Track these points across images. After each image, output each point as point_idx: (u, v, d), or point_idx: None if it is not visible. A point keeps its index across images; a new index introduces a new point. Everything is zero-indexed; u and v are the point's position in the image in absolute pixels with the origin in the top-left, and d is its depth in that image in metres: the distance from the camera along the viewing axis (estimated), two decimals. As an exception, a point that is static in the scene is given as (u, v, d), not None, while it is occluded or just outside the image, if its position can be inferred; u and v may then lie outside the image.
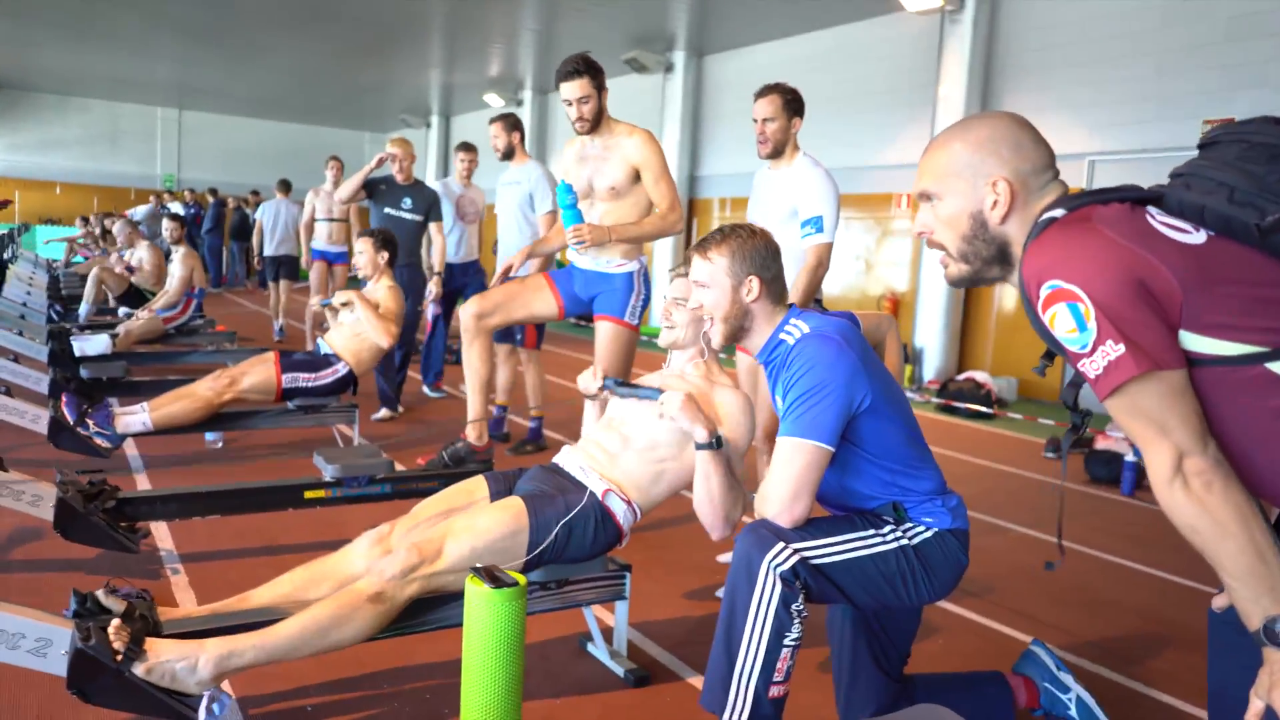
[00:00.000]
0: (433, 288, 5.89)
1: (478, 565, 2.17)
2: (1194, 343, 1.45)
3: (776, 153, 3.46)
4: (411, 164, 5.80)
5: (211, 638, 2.10)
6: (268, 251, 10.02)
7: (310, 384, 4.57)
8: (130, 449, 4.67)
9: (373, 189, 5.80)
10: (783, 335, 2.15)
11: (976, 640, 3.08)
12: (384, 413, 5.96)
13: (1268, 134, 1.54)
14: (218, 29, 12.64)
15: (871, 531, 2.07)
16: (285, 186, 10.86)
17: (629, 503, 2.52)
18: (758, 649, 1.93)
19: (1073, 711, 2.31)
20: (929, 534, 2.10)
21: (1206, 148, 1.61)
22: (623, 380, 2.52)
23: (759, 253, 2.18)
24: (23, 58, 15.64)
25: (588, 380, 2.63)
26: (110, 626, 2.00)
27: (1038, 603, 3.44)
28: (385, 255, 4.95)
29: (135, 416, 4.17)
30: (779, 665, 1.94)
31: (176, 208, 15.26)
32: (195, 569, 3.22)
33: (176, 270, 7.26)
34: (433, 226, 5.88)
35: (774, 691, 1.94)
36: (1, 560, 3.21)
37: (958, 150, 1.69)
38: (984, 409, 7.51)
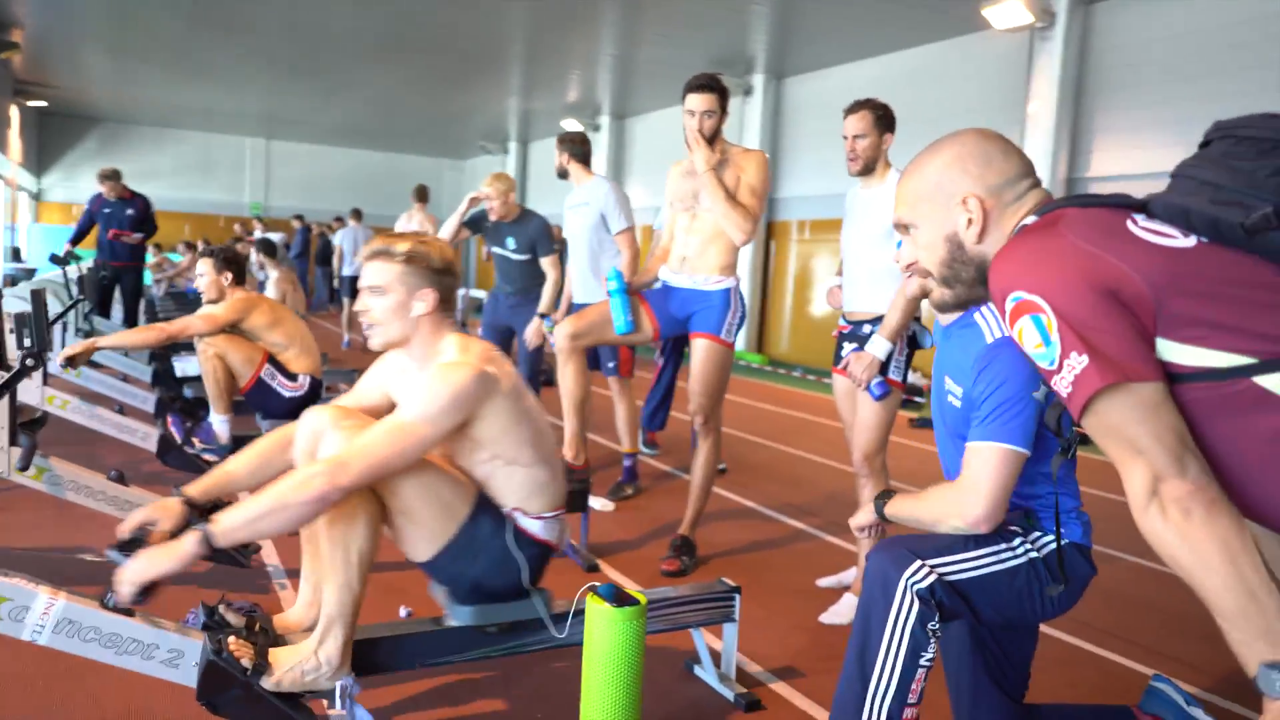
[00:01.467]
0: (529, 334, 5.21)
1: (595, 584, 2.17)
2: (1174, 352, 1.34)
3: (867, 170, 3.41)
4: (504, 201, 5.16)
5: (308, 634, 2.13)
6: (345, 272, 11.30)
7: (284, 390, 4.67)
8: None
9: (479, 225, 5.41)
10: (979, 319, 1.99)
11: (1091, 671, 2.97)
12: None
13: (1258, 127, 1.44)
14: (306, 61, 13.06)
15: (1001, 545, 2.00)
16: (357, 215, 12.22)
17: (538, 516, 2.29)
18: (893, 669, 1.88)
19: (1208, 747, 2.20)
20: (1057, 544, 2.02)
21: (1201, 147, 1.52)
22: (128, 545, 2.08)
23: None
24: (122, 92, 16.36)
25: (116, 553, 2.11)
26: (230, 642, 2.03)
27: (1151, 632, 3.30)
28: (229, 275, 4.87)
29: (214, 420, 4.32)
30: (913, 686, 1.88)
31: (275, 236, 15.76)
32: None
33: (271, 291, 7.48)
34: (544, 262, 5.19)
35: (908, 714, 1.89)
36: (119, 573, 3.30)
37: (928, 173, 1.65)
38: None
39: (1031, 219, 1.52)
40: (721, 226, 3.56)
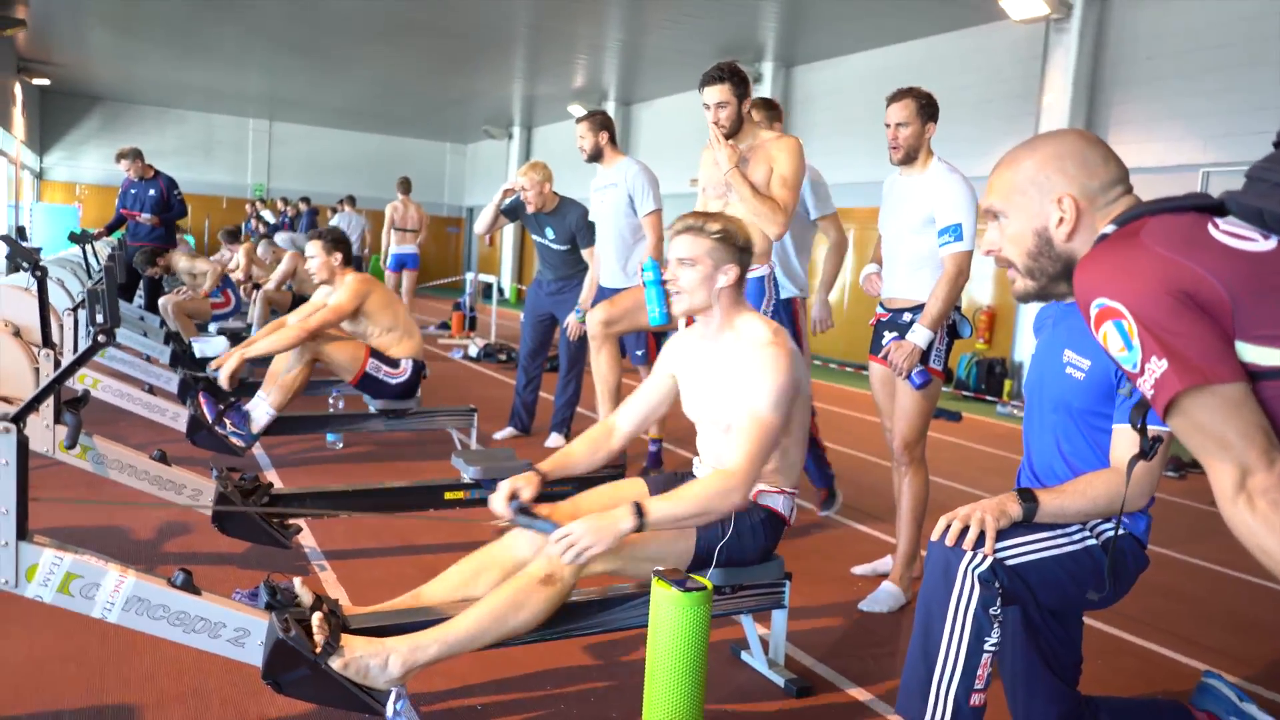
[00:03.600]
0: (570, 320, 5.20)
1: (659, 569, 2.17)
2: (1251, 354, 1.37)
3: (909, 159, 3.38)
4: (540, 191, 5.09)
5: (396, 637, 2.12)
6: None
7: (389, 378, 4.64)
8: (257, 449, 4.78)
9: (518, 214, 5.35)
10: None
11: (1136, 662, 2.99)
12: (509, 431, 5.62)
13: None
14: (309, 42, 12.98)
15: (1058, 530, 2.01)
16: (352, 201, 13.14)
17: (782, 491, 2.49)
18: (957, 655, 1.88)
19: (1263, 741, 2.21)
20: (1118, 532, 2.03)
21: (1276, 148, 1.53)
22: (526, 508, 2.35)
23: None
24: (125, 70, 16.24)
25: (498, 503, 2.39)
26: (314, 620, 2.03)
27: (1194, 625, 3.32)
28: (338, 256, 4.81)
29: (258, 407, 4.26)
30: (979, 672, 1.88)
31: (268, 216, 15.69)
32: (340, 566, 3.27)
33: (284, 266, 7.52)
34: (585, 254, 5.13)
35: (975, 700, 1.89)
36: (158, 552, 3.30)
37: (1025, 168, 1.68)
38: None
39: (1111, 228, 1.54)
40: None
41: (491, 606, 2.16)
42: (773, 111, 4.64)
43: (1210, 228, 1.46)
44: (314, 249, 4.72)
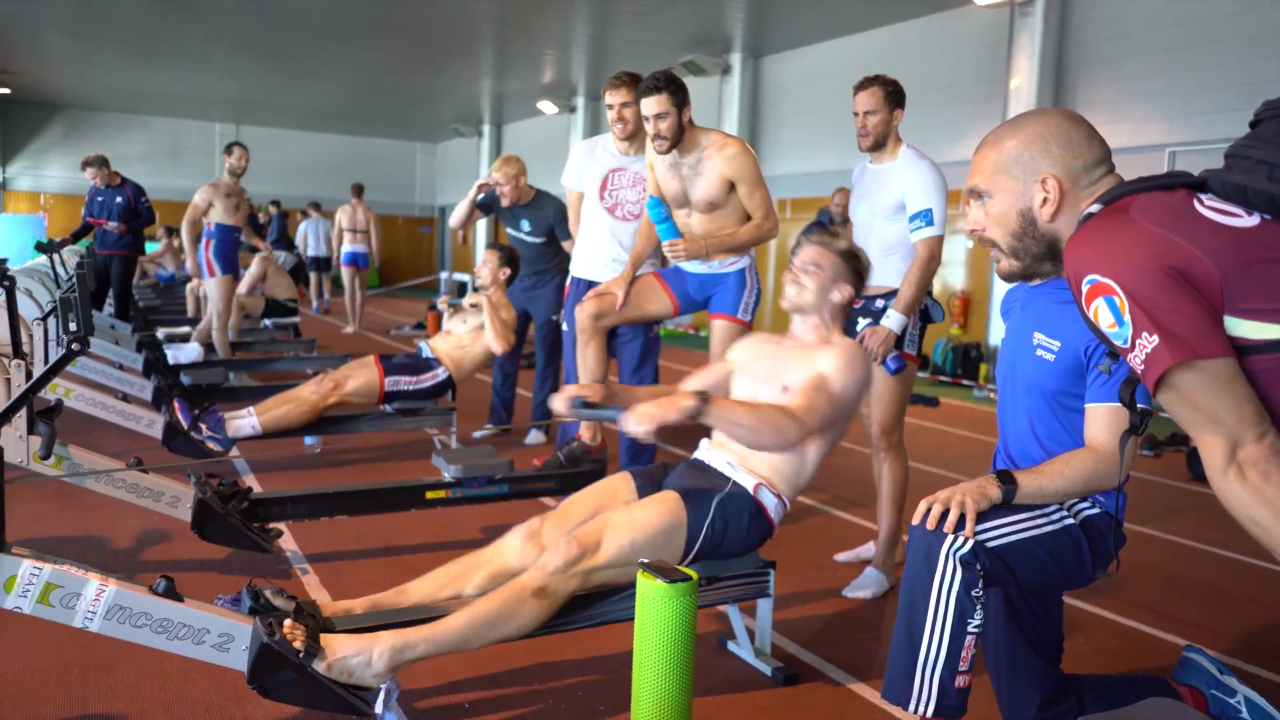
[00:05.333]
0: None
1: (644, 560, 2.17)
2: (1238, 328, 1.40)
3: (877, 145, 3.40)
4: (515, 185, 5.15)
5: (382, 632, 2.11)
6: (310, 254, 13.59)
7: (411, 387, 4.61)
8: (234, 454, 4.74)
9: (492, 208, 5.37)
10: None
11: (1116, 639, 3.02)
12: (488, 428, 5.62)
13: None
14: (273, 44, 12.84)
15: (1037, 511, 2.03)
16: (316, 206, 14.11)
17: (779, 496, 2.50)
18: (941, 637, 1.89)
19: (1244, 713, 2.23)
20: (1094, 511, 2.05)
21: (1253, 126, 1.56)
22: (588, 401, 2.39)
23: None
24: (87, 77, 16.01)
25: (558, 403, 2.42)
26: (284, 625, 2.02)
27: (1173, 601, 3.36)
28: (507, 272, 4.92)
29: (244, 421, 4.24)
30: (964, 653, 1.89)
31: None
32: (323, 569, 3.26)
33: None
34: (565, 245, 5.11)
35: (959, 681, 1.90)
36: (137, 560, 3.27)
37: (1009, 148, 1.69)
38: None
39: (1097, 206, 1.55)
40: (720, 224, 3.56)
41: (484, 611, 2.16)
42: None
43: (1196, 204, 1.48)
44: (491, 259, 4.91)
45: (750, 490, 2.46)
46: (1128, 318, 1.41)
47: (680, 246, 3.48)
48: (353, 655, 2.03)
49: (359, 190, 12.08)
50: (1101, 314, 1.46)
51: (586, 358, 3.72)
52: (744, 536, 2.45)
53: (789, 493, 2.53)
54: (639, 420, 2.13)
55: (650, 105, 3.41)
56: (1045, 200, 1.64)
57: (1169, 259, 1.40)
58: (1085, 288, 1.47)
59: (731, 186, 3.52)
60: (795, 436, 2.28)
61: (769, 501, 2.49)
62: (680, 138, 3.47)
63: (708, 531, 2.38)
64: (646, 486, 2.57)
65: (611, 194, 4.03)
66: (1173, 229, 1.43)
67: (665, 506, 2.36)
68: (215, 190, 7.07)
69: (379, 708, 2.05)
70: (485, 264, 4.94)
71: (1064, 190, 1.63)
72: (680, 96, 3.42)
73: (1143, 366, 1.42)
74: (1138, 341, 1.41)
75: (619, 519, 2.33)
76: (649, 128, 3.46)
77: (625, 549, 2.28)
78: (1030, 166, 1.66)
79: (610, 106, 3.96)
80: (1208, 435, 1.42)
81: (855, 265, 2.63)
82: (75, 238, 8.09)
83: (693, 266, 3.68)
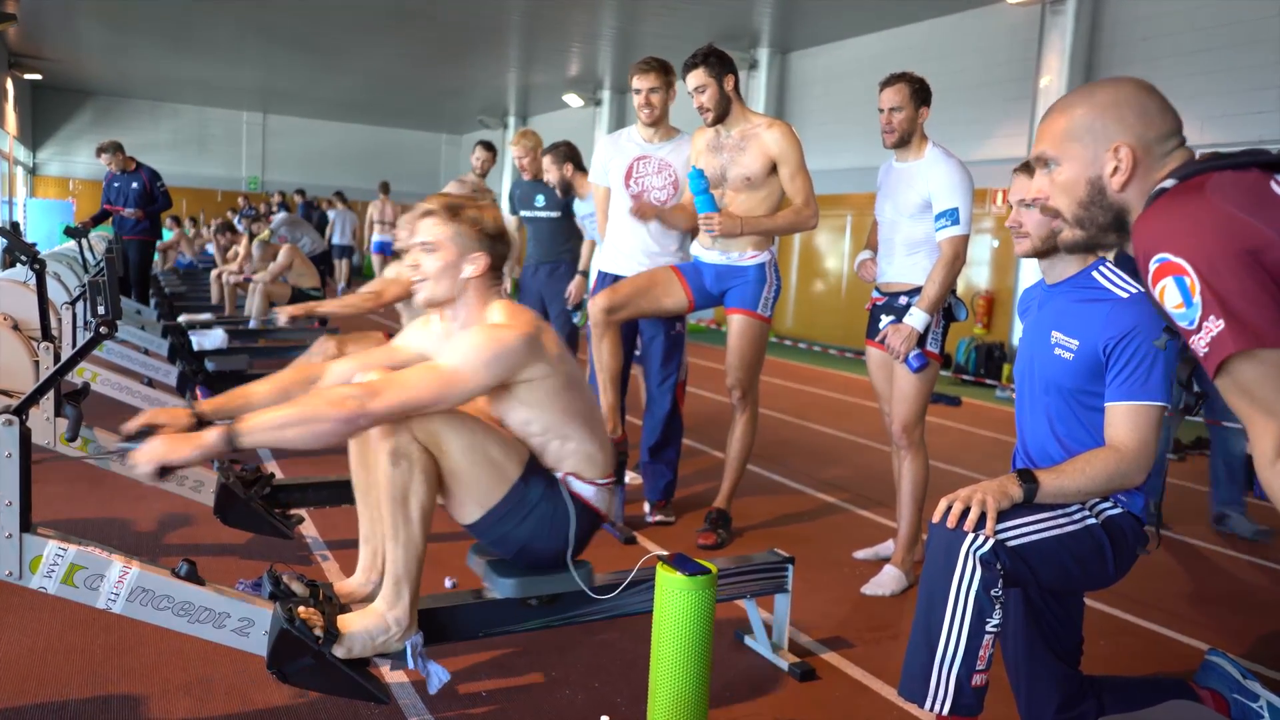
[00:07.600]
0: (572, 289, 5.09)
1: (663, 554, 2.17)
2: None
3: (902, 143, 3.38)
4: (534, 158, 5.20)
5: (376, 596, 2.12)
6: (336, 241, 14.43)
7: None
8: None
9: (512, 201, 5.39)
10: (1099, 278, 2.03)
11: (1137, 642, 2.99)
12: None
13: None
14: (303, 34, 12.92)
15: (1059, 511, 2.01)
16: (341, 196, 15.12)
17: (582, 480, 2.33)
18: (959, 636, 1.88)
19: (1267, 718, 2.21)
20: (1116, 511, 2.03)
21: None
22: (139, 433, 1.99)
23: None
24: (118, 65, 16.18)
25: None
26: (299, 611, 2.03)
27: (1195, 605, 3.33)
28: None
29: None
30: (981, 653, 1.88)
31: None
32: (343, 555, 3.27)
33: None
34: (579, 221, 5.19)
35: (976, 680, 1.89)
36: (160, 544, 3.30)
37: (1080, 114, 1.64)
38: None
39: (1170, 181, 1.52)
40: (752, 207, 3.55)
41: (389, 498, 2.06)
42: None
43: (1274, 185, 1.45)
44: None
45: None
46: (1197, 299, 1.38)
47: (716, 220, 3.46)
48: (369, 629, 2.04)
49: (385, 188, 14.34)
50: (1169, 293, 1.42)
51: (601, 352, 3.71)
52: (555, 534, 2.29)
53: (592, 475, 2.33)
54: (140, 464, 1.87)
55: (691, 80, 3.49)
56: (1117, 169, 1.59)
57: (1244, 242, 1.37)
58: (1154, 266, 1.43)
59: (773, 168, 3.54)
60: (366, 411, 1.96)
61: (582, 490, 2.32)
62: (726, 110, 3.52)
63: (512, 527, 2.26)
64: None
65: (637, 181, 4.02)
66: (1251, 211, 1.39)
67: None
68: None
69: (411, 663, 2.07)
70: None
71: (1137, 160, 1.58)
72: (719, 69, 3.48)
73: (1206, 350, 1.39)
74: (1204, 324, 1.37)
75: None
76: (694, 104, 3.51)
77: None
78: (1102, 134, 1.60)
79: (638, 91, 3.94)
80: (1260, 424, 1.39)
81: (478, 227, 2.24)
82: (94, 223, 8.15)
83: (711, 257, 3.67)
